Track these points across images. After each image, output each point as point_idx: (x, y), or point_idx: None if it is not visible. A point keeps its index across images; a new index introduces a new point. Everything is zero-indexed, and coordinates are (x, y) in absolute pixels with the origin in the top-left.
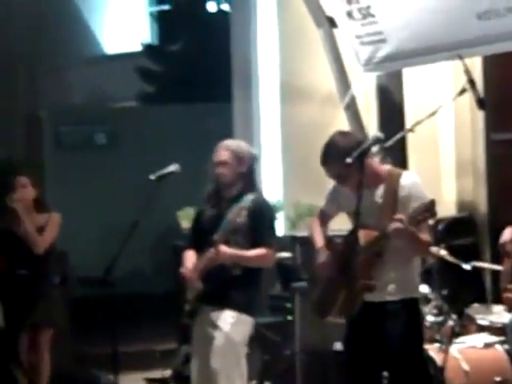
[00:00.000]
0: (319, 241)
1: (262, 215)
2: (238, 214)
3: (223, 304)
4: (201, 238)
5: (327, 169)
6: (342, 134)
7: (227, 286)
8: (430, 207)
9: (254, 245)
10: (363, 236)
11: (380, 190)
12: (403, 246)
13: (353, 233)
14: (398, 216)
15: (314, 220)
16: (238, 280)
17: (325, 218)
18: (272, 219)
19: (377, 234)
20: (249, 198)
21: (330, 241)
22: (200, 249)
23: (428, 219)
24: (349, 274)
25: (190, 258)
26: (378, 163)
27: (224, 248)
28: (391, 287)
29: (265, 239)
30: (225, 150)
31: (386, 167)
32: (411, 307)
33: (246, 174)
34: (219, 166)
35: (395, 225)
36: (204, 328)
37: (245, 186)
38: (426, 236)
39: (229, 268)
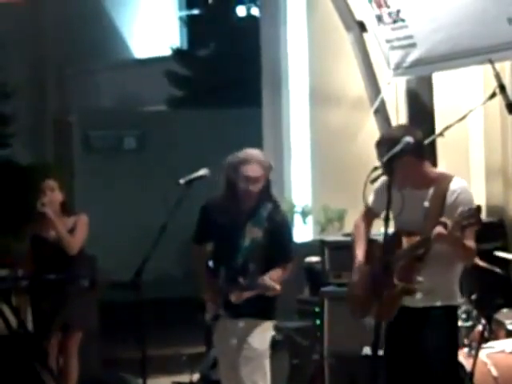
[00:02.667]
0: (359, 255)
1: (279, 234)
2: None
3: (244, 315)
4: (213, 240)
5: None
6: (402, 127)
7: (247, 300)
8: (475, 213)
9: (272, 260)
10: (406, 239)
11: (429, 193)
12: (447, 251)
13: (395, 235)
14: (443, 220)
15: (358, 223)
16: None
17: (370, 216)
18: (289, 234)
19: (420, 238)
20: (264, 215)
21: (372, 242)
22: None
23: (473, 226)
24: (388, 277)
25: (210, 282)
26: (429, 166)
27: (246, 295)
28: (432, 293)
29: (284, 257)
30: (258, 164)
31: (438, 170)
32: (450, 314)
33: (266, 185)
34: (252, 182)
35: (439, 229)
36: (226, 338)
37: (262, 196)
38: (471, 243)
39: None
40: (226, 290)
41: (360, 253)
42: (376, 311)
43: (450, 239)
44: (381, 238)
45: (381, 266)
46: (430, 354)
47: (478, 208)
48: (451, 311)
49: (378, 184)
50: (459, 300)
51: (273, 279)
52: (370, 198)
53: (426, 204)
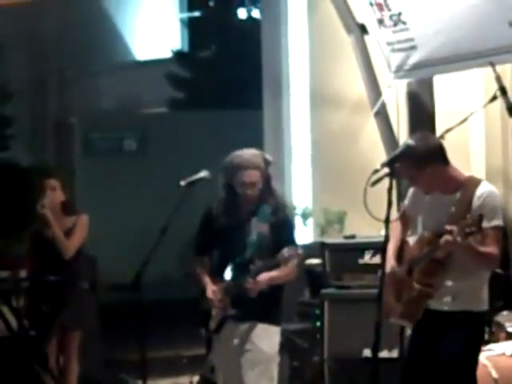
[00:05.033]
0: (389, 258)
1: (284, 229)
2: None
3: (252, 318)
4: (217, 246)
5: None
6: (419, 135)
7: (254, 302)
8: (476, 221)
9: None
10: (428, 241)
11: (455, 198)
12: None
13: (421, 237)
14: (449, 228)
15: (393, 224)
16: (264, 294)
17: (405, 219)
18: (293, 230)
19: (434, 243)
20: (268, 211)
21: (404, 243)
22: (213, 257)
23: (475, 234)
24: (411, 279)
25: (207, 278)
26: (455, 169)
27: (263, 278)
28: (452, 297)
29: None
30: (254, 169)
31: (466, 174)
32: (475, 320)
33: (266, 182)
34: (249, 187)
35: (445, 237)
36: (232, 342)
37: (264, 195)
38: (489, 248)
39: None
40: (235, 287)
41: (390, 255)
42: (400, 312)
43: (457, 246)
44: (411, 240)
45: (407, 267)
46: (448, 358)
47: (481, 216)
48: (476, 317)
49: (410, 190)
50: (487, 306)
51: (283, 274)
52: (405, 202)
53: (452, 209)
